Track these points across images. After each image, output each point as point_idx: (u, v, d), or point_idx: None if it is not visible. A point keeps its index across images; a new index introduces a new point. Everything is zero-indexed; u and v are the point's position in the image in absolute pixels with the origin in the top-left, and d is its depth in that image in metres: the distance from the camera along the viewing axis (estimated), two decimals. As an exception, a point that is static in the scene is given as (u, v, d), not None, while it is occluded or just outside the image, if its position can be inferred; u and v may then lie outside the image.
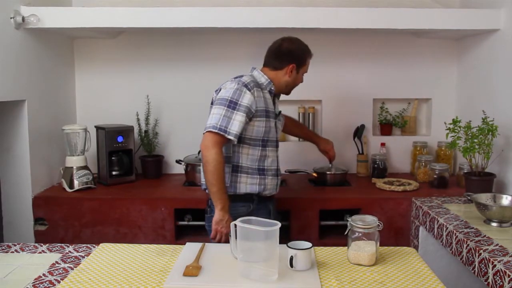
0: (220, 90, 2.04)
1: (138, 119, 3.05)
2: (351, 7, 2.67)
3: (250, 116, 1.99)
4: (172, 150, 3.16)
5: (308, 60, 2.18)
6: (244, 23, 2.57)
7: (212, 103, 2.09)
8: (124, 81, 3.14)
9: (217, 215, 1.93)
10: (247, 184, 2.06)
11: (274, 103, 2.16)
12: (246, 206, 2.07)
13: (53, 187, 2.78)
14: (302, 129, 2.72)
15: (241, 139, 2.02)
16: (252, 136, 2.04)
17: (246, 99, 1.97)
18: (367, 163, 3.13)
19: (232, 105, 1.95)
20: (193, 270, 1.49)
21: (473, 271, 1.79)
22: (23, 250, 1.73)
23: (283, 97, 2.27)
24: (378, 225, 1.60)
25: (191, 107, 3.09)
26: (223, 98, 1.97)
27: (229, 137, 1.93)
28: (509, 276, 1.54)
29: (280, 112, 2.21)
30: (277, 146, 2.17)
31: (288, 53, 2.13)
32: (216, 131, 1.91)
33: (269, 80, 2.11)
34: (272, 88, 2.11)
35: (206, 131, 1.94)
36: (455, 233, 1.97)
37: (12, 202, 2.57)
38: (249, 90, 1.98)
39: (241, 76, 2.08)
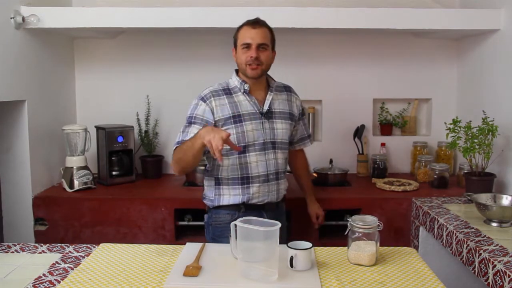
0: None
1: (138, 119, 3.05)
2: (351, 7, 2.67)
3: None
4: (172, 150, 3.14)
5: (239, 34, 2.03)
6: (244, 23, 2.57)
7: None
8: (124, 81, 3.14)
9: (203, 137, 1.74)
10: (230, 196, 2.04)
11: (263, 102, 2.05)
12: (230, 214, 2.03)
13: (53, 187, 2.78)
14: (304, 179, 2.41)
15: None
16: (225, 146, 1.86)
17: (200, 111, 2.01)
18: (367, 163, 3.13)
19: (190, 119, 2.02)
20: (193, 270, 1.49)
21: (473, 271, 1.79)
22: (23, 250, 1.72)
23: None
24: (378, 225, 1.60)
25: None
26: (186, 115, 2.05)
27: None
28: (509, 276, 1.54)
29: (267, 110, 2.05)
30: (268, 149, 2.04)
31: None
32: (176, 145, 2.00)
33: (241, 81, 2.04)
34: (246, 88, 2.03)
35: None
36: (455, 233, 1.96)
37: (12, 202, 2.57)
38: (204, 101, 2.01)
39: (209, 87, 2.08)
